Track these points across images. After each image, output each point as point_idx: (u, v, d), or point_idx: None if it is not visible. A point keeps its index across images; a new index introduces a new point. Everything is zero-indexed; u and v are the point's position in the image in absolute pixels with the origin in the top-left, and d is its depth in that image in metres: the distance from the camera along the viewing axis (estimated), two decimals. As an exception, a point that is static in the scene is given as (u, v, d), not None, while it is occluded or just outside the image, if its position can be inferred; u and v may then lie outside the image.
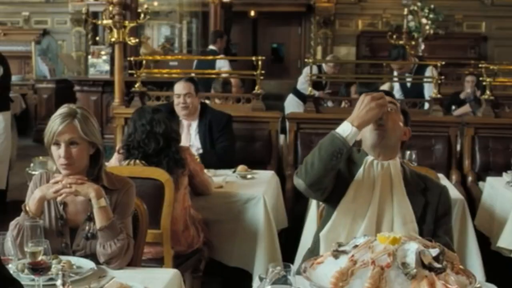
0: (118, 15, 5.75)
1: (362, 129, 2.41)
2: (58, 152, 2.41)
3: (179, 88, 4.48)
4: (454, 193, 3.97)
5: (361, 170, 2.45)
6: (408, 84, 6.29)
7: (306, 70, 7.66)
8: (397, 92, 6.42)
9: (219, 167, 4.26)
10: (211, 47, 8.25)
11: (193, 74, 6.23)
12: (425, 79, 6.02)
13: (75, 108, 2.46)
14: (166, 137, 3.42)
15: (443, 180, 3.80)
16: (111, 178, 2.55)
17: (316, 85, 6.58)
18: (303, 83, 7.95)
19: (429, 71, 6.04)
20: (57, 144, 2.41)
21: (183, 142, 4.22)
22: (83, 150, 2.44)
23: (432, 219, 2.44)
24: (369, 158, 2.47)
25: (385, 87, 6.74)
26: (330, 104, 5.74)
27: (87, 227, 2.48)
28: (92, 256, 2.44)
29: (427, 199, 2.46)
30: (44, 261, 2.10)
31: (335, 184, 2.47)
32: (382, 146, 2.45)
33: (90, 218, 2.46)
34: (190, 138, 4.52)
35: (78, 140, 2.41)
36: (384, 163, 2.44)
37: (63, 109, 2.45)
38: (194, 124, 4.56)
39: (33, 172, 3.75)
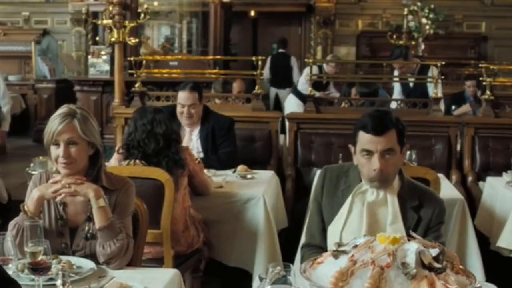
0: (118, 15, 5.75)
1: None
2: (57, 152, 2.41)
3: (183, 98, 4.35)
4: (454, 193, 3.98)
5: (349, 199, 2.43)
6: (411, 84, 6.29)
7: (306, 71, 7.66)
8: (399, 94, 6.42)
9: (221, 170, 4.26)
10: (282, 50, 10.40)
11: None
12: (426, 79, 6.00)
13: (75, 108, 2.46)
14: (166, 138, 3.42)
15: (443, 180, 3.80)
16: (111, 178, 2.55)
17: (316, 85, 6.58)
18: (303, 84, 7.94)
19: (431, 71, 6.02)
20: (56, 144, 2.41)
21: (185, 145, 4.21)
22: (82, 150, 2.44)
23: (423, 232, 2.41)
24: (363, 186, 2.43)
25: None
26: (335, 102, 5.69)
27: (86, 227, 2.48)
28: (92, 256, 2.44)
29: (420, 216, 2.44)
30: (44, 261, 2.10)
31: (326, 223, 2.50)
32: (381, 185, 2.41)
33: (90, 218, 2.46)
34: (192, 142, 4.50)
35: (77, 139, 2.41)
36: (380, 192, 2.41)
37: (62, 109, 2.45)
38: (196, 129, 4.53)
39: (33, 172, 3.75)
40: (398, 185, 2.45)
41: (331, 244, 2.40)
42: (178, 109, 4.42)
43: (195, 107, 4.39)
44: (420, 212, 2.44)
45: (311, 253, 2.46)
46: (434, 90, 5.30)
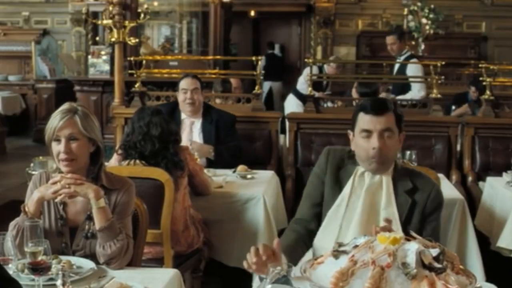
0: (118, 15, 5.75)
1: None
2: (58, 148, 2.42)
3: (187, 83, 4.48)
4: (454, 193, 3.97)
5: (350, 181, 2.46)
6: (394, 71, 6.46)
7: (306, 71, 7.66)
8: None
9: (230, 164, 4.29)
10: (271, 51, 12.62)
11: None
12: (411, 79, 6.14)
13: (76, 106, 2.49)
14: (162, 140, 3.43)
15: (443, 180, 3.80)
16: (111, 178, 2.55)
17: (316, 86, 6.60)
18: (302, 83, 7.94)
19: (411, 71, 6.23)
20: (57, 140, 2.42)
21: (185, 141, 4.23)
22: (83, 146, 2.45)
23: (419, 219, 2.43)
24: (360, 169, 2.47)
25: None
26: (330, 104, 5.73)
27: (86, 227, 2.48)
28: (92, 256, 2.44)
29: (415, 200, 2.45)
30: (44, 261, 2.10)
31: (324, 201, 2.52)
32: (378, 167, 2.44)
33: (90, 218, 2.46)
34: (192, 136, 4.52)
35: (78, 135, 2.43)
36: (376, 176, 2.45)
37: (63, 106, 2.48)
38: (198, 123, 4.56)
39: (33, 172, 3.75)
40: (392, 169, 2.48)
41: (333, 228, 2.43)
42: (181, 97, 4.49)
43: (197, 92, 4.48)
44: (415, 196, 2.45)
45: (293, 229, 2.52)
46: (422, 92, 5.33)
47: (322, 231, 2.48)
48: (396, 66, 6.57)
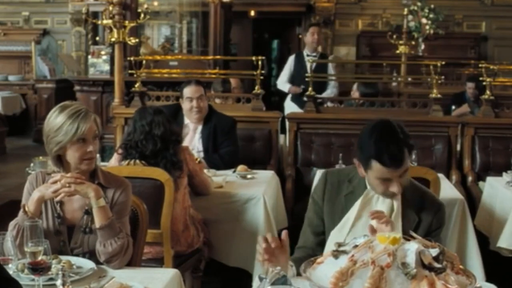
0: (118, 15, 5.74)
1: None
2: (84, 148, 2.45)
3: (191, 91, 4.41)
4: (454, 193, 3.98)
5: (357, 204, 2.43)
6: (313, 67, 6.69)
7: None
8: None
9: (223, 169, 4.28)
10: None
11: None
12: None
13: (80, 105, 2.51)
14: (164, 140, 3.42)
15: (443, 180, 3.80)
16: (107, 176, 2.57)
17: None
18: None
19: (331, 69, 6.80)
20: (83, 140, 2.44)
21: (187, 144, 4.22)
22: (97, 143, 2.53)
23: (422, 235, 2.42)
24: (369, 192, 2.43)
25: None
26: (330, 104, 5.73)
27: (84, 222, 2.49)
28: (91, 253, 2.45)
29: (421, 218, 2.43)
30: (44, 261, 2.10)
31: (326, 228, 2.49)
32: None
33: (88, 212, 2.48)
34: (194, 141, 4.50)
35: (98, 134, 2.50)
36: (387, 200, 2.41)
37: (75, 106, 2.48)
38: (200, 127, 4.54)
39: (33, 172, 3.75)
40: None
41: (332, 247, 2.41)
42: (186, 105, 4.44)
43: (203, 99, 4.45)
44: (421, 215, 2.44)
45: (304, 255, 2.46)
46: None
47: (326, 249, 2.46)
48: (313, 65, 6.76)
